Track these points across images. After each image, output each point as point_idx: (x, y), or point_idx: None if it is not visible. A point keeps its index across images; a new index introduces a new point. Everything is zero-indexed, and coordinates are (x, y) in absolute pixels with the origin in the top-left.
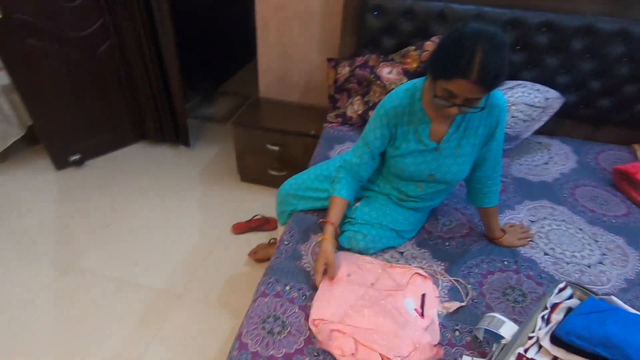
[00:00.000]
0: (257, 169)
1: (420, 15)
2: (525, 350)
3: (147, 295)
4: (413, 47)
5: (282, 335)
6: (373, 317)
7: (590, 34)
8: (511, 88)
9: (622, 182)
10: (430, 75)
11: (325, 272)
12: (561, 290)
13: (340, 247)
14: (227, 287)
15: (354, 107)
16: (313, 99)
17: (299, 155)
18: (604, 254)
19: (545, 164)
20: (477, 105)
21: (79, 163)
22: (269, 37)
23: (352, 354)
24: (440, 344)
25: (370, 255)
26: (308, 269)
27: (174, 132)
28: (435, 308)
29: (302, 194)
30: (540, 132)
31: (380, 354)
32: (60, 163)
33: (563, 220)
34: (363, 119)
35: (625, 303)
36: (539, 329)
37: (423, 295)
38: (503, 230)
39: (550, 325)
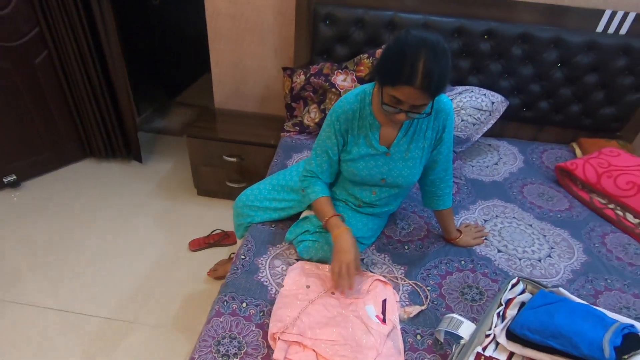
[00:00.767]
0: (214, 182)
1: (371, 24)
2: (484, 349)
3: (95, 325)
4: (366, 55)
5: (239, 357)
6: (334, 328)
7: (528, 41)
8: (460, 93)
9: (564, 179)
10: (377, 83)
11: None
12: (514, 285)
13: (298, 258)
14: (183, 309)
15: (311, 115)
16: (270, 108)
17: (259, 165)
18: (552, 248)
19: (495, 164)
20: (424, 111)
21: (14, 184)
22: (222, 47)
23: None
24: (402, 349)
25: (330, 264)
26: (266, 283)
27: (124, 147)
28: (396, 313)
29: (259, 204)
30: (489, 134)
31: None
32: None
33: (514, 218)
34: (320, 127)
35: (572, 293)
36: (495, 326)
37: (384, 301)
38: (459, 231)
39: (505, 321)
